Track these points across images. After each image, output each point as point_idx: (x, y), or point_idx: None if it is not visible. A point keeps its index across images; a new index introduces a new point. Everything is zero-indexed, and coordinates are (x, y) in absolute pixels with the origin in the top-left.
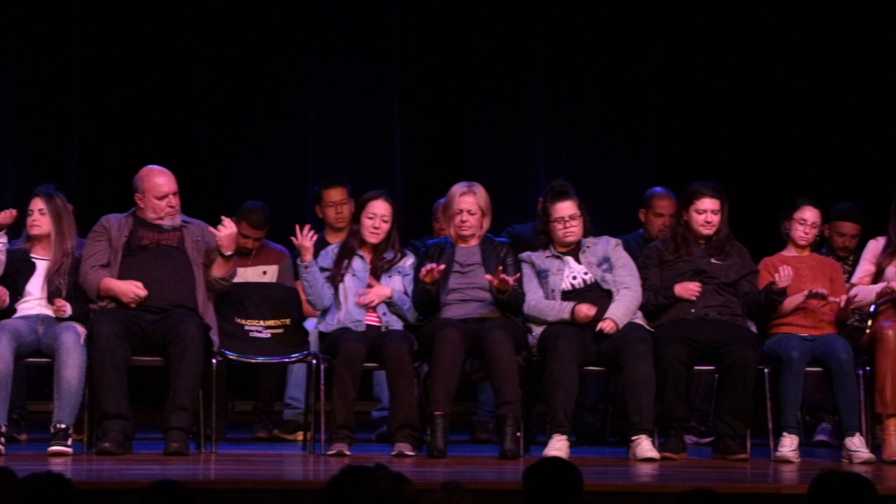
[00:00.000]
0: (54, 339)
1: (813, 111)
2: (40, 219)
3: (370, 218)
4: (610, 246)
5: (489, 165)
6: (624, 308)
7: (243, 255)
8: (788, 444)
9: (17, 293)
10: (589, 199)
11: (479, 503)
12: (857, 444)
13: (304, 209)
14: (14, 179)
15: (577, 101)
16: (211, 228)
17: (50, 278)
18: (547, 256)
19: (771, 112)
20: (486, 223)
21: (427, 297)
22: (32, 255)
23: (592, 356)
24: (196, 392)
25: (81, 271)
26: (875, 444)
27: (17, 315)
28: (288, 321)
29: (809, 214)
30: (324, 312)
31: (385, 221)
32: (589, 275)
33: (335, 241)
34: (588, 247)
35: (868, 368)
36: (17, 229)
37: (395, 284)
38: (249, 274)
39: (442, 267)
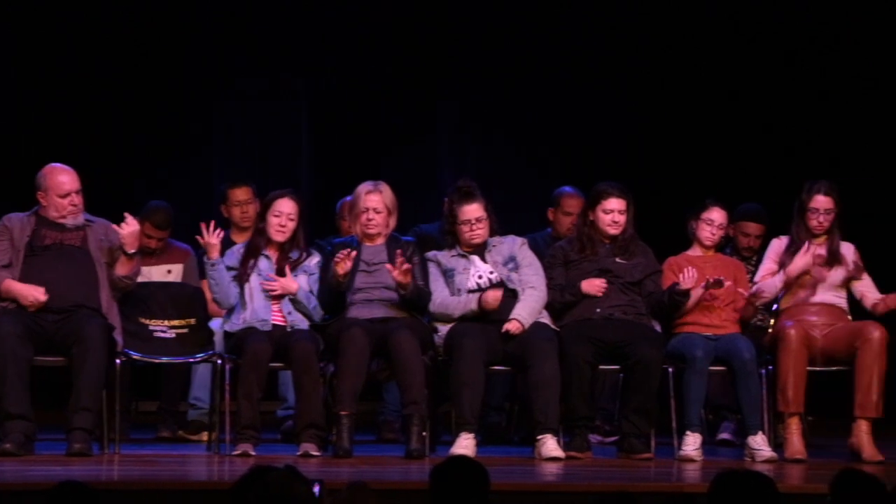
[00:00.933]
0: None
1: (717, 112)
2: None
3: (276, 216)
4: (516, 245)
5: (395, 164)
6: (529, 308)
7: (147, 255)
8: (692, 443)
9: None
10: (496, 197)
11: (385, 503)
12: (759, 443)
13: (209, 208)
14: None
15: (484, 99)
16: (114, 226)
17: None
18: (453, 255)
19: (677, 113)
20: (393, 222)
21: (337, 290)
22: None
23: (498, 355)
24: (99, 392)
25: None
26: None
27: None
28: (193, 321)
29: (717, 215)
30: (229, 312)
31: (291, 219)
32: (495, 274)
33: (241, 241)
34: (494, 246)
35: (770, 367)
36: None
37: (301, 284)
38: (154, 273)
39: (353, 253)
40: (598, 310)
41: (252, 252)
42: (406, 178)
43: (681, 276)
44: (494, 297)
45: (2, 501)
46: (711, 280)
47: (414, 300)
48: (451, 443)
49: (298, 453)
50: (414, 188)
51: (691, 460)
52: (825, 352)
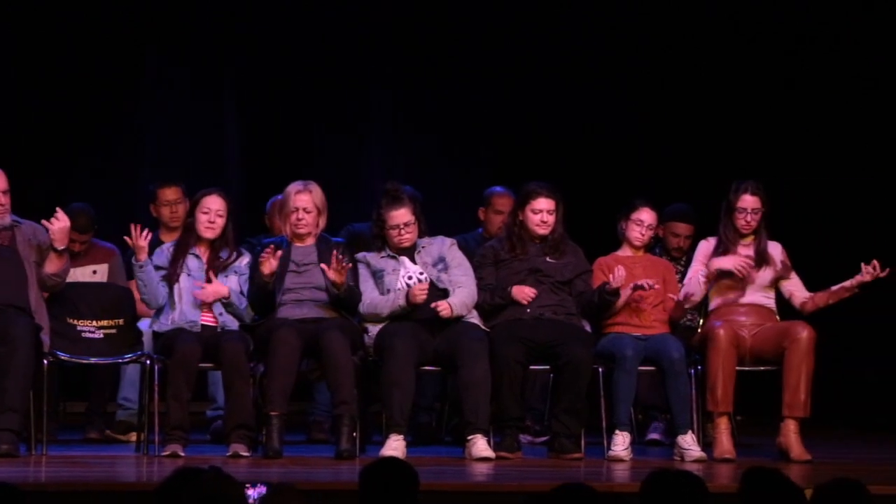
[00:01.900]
0: None
1: (646, 112)
2: None
3: (205, 213)
4: (445, 246)
5: (326, 163)
6: (460, 299)
7: (72, 257)
8: (621, 443)
9: None
10: (427, 197)
11: None
12: (688, 443)
13: (138, 208)
14: None
15: (415, 99)
16: (44, 222)
17: None
18: (382, 257)
19: (607, 113)
20: (323, 222)
21: (264, 290)
22: None
23: (429, 356)
24: (26, 393)
25: None
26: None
27: None
28: (121, 321)
29: (646, 216)
30: (157, 312)
31: (220, 216)
32: (424, 275)
33: (169, 241)
34: (423, 247)
35: (700, 367)
36: None
37: (232, 284)
38: (79, 274)
39: (279, 253)
40: (529, 310)
41: (182, 251)
42: (337, 177)
43: (610, 275)
44: (421, 290)
45: None
46: (637, 284)
47: (345, 300)
48: (381, 443)
49: (228, 454)
50: (344, 187)
51: (620, 460)
52: (754, 352)
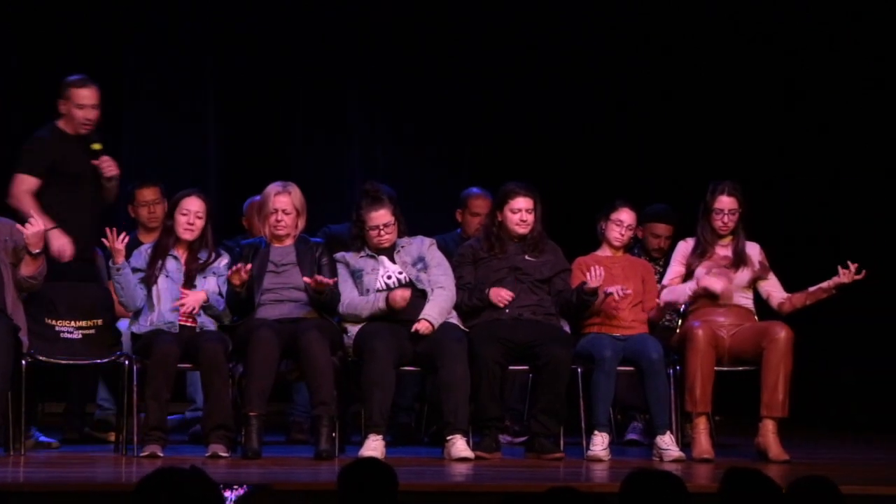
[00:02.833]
0: None
1: (625, 113)
2: None
3: (184, 214)
4: (424, 246)
5: (304, 164)
6: (438, 308)
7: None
8: (600, 443)
9: None
10: (405, 198)
11: None
12: (667, 443)
13: (116, 208)
14: None
15: (393, 101)
16: (18, 226)
17: None
18: (361, 256)
19: (586, 113)
20: (302, 223)
21: (237, 298)
22: None
23: (408, 356)
24: (4, 394)
25: None
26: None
27: None
28: (100, 322)
29: (626, 216)
30: (136, 314)
31: (199, 217)
32: (403, 274)
33: (148, 241)
34: (403, 247)
35: (678, 368)
36: None
37: (210, 286)
38: None
39: (248, 266)
40: (508, 310)
41: (160, 252)
42: (315, 178)
43: (588, 274)
44: (402, 296)
45: None
46: (607, 291)
47: (325, 302)
48: (360, 443)
49: (207, 454)
50: (323, 187)
51: (599, 460)
52: (732, 352)
